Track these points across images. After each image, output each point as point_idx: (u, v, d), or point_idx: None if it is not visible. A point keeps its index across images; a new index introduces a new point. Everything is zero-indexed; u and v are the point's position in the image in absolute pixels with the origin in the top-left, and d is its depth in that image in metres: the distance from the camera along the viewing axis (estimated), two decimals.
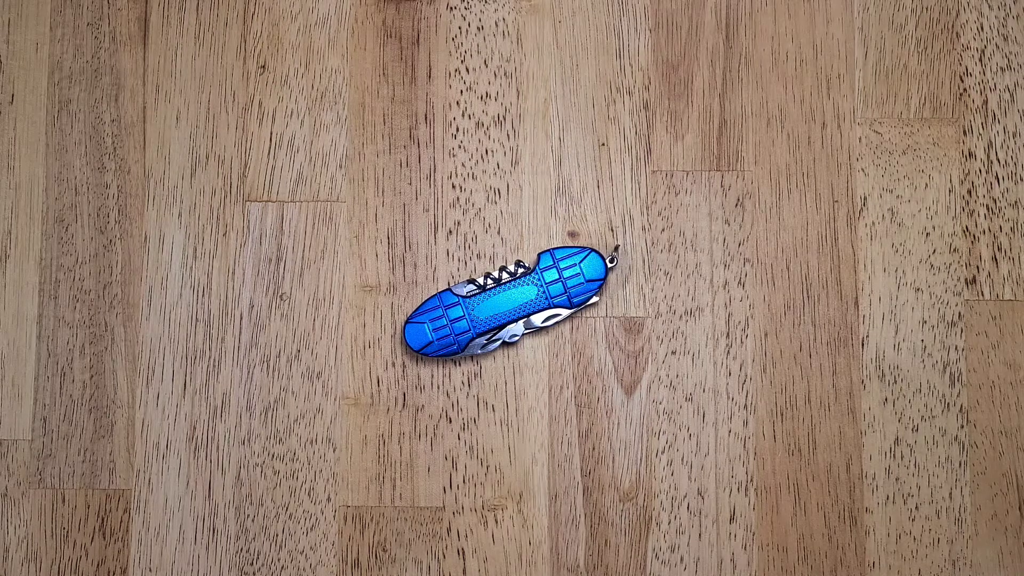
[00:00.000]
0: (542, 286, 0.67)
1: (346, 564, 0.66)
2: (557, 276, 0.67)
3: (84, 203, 0.68)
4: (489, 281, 0.67)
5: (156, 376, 0.67)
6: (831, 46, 0.69)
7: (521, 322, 0.67)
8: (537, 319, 0.67)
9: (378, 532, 0.66)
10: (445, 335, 0.66)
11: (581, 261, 0.66)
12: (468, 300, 0.67)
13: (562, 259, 0.67)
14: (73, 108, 0.69)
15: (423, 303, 0.67)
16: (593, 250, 0.66)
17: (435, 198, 0.68)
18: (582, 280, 0.66)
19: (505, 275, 0.67)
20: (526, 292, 0.67)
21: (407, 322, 0.67)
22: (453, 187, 0.68)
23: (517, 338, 0.67)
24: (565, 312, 0.67)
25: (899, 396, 0.67)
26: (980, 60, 0.69)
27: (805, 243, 0.68)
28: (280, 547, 0.66)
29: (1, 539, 0.66)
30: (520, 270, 0.67)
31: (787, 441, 0.66)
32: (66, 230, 0.68)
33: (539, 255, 0.67)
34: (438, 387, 0.67)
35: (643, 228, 0.68)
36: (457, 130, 0.69)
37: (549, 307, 0.67)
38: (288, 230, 0.68)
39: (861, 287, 0.67)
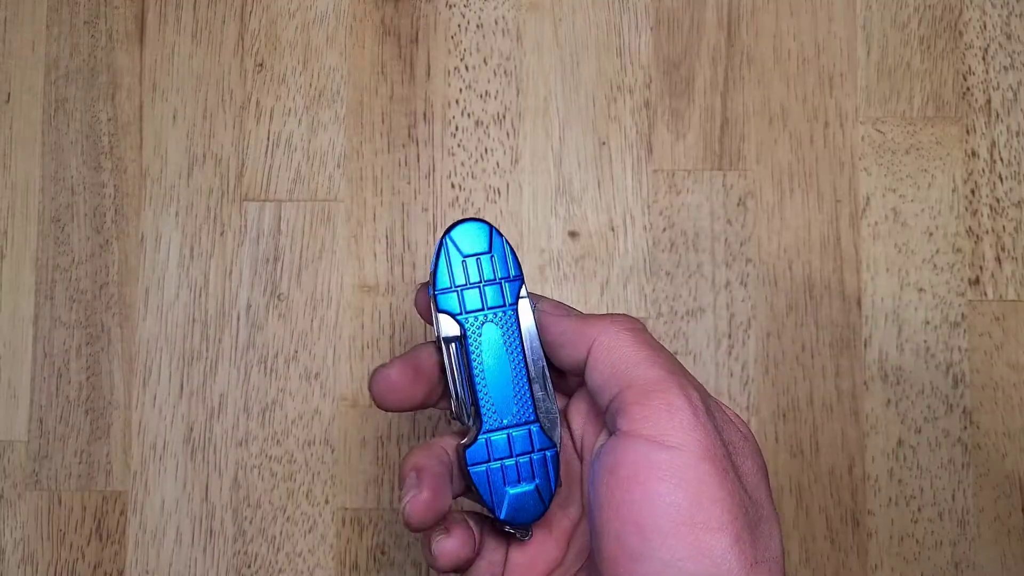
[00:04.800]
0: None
1: (344, 567, 0.65)
2: None
3: (80, 203, 0.68)
4: None
5: (153, 377, 0.67)
6: (833, 44, 0.68)
7: None
8: None
9: (376, 535, 0.65)
10: None
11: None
12: None
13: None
14: (69, 107, 0.69)
15: None
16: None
17: (434, 197, 0.68)
18: None
19: None
20: None
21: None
22: (452, 186, 0.68)
23: None
24: None
25: (902, 397, 0.66)
26: (983, 59, 0.68)
27: (807, 243, 0.67)
28: (278, 549, 0.65)
29: None
30: None
31: (789, 443, 0.66)
32: (62, 230, 0.68)
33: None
34: None
35: (644, 228, 0.67)
36: (456, 129, 0.68)
37: None
38: (286, 229, 0.67)
39: (864, 287, 0.67)
